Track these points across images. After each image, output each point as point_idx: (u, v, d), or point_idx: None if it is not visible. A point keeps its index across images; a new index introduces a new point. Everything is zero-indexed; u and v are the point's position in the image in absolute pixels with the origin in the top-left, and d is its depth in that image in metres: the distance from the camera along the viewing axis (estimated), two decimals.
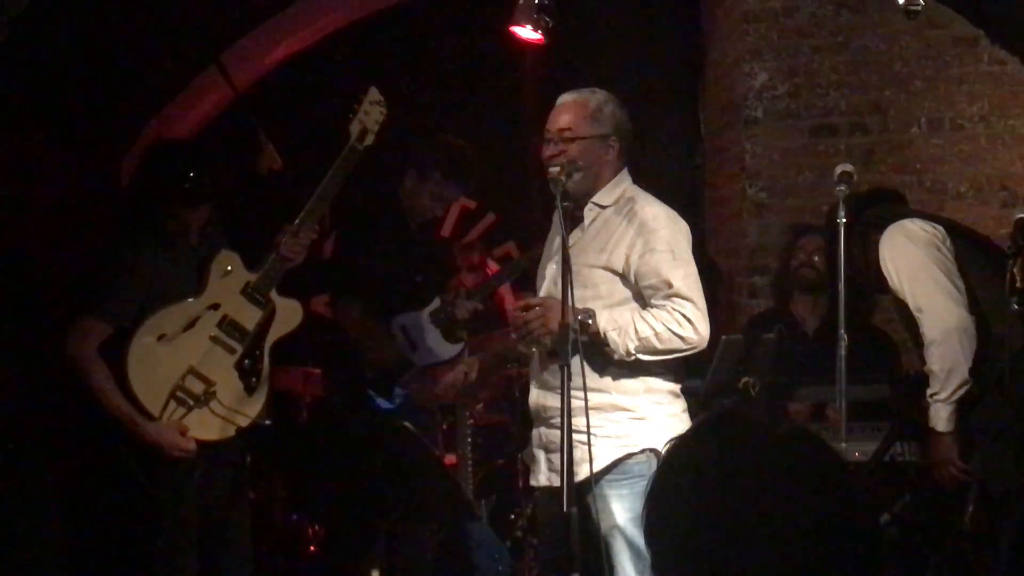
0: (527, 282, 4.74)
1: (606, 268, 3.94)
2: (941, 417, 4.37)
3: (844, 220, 4.38)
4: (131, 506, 4.24)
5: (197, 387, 4.17)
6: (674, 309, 3.84)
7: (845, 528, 1.85)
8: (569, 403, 3.57)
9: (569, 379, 3.57)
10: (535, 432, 4.05)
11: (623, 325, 3.83)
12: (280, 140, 5.12)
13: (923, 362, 4.48)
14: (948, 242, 4.46)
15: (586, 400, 3.67)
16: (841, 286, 4.36)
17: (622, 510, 3.85)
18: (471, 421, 5.69)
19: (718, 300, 6.18)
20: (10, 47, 4.35)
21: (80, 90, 5.45)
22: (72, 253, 5.17)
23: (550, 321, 3.79)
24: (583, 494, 3.81)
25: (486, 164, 5.38)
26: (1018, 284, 3.97)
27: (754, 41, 6.14)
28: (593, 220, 4.01)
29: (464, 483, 5.38)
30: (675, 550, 1.88)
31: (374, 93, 4.40)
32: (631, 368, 3.91)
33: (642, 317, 3.85)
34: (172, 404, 4.13)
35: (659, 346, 3.84)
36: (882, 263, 4.49)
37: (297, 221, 4.26)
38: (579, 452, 3.82)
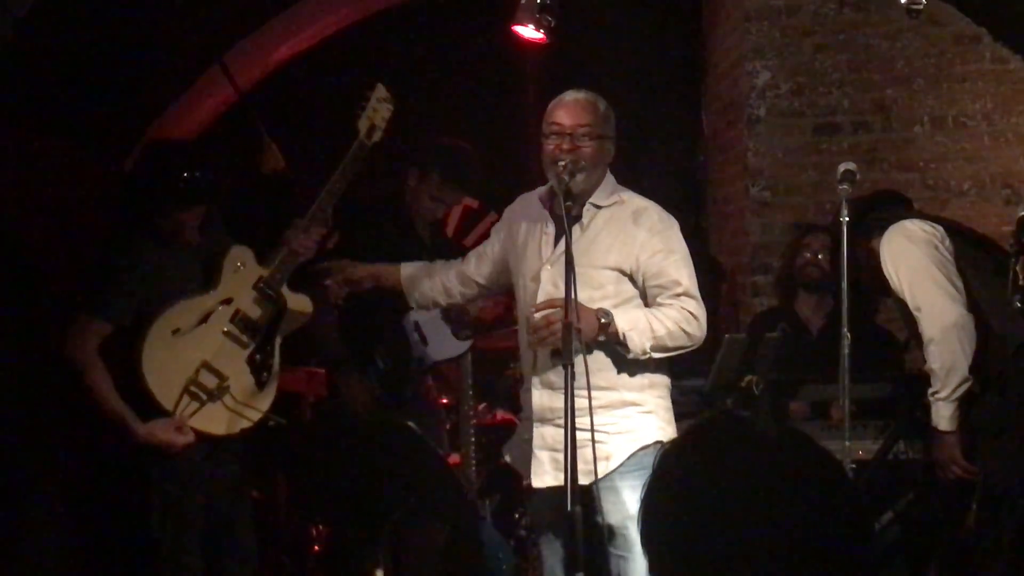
0: None
1: (614, 268, 3.97)
2: (943, 416, 4.38)
3: (847, 219, 4.39)
4: (135, 505, 4.24)
5: (211, 381, 4.18)
6: (683, 308, 3.92)
7: (839, 528, 1.86)
8: (573, 402, 3.56)
9: (573, 378, 3.56)
10: (537, 432, 4.03)
11: (640, 325, 3.88)
12: (283, 140, 5.13)
13: (925, 361, 4.49)
14: (947, 242, 4.46)
15: (589, 399, 3.68)
16: (844, 285, 4.36)
17: (635, 501, 3.86)
18: (474, 421, 5.70)
19: (721, 299, 6.19)
20: (15, 47, 4.35)
21: (84, 90, 5.45)
22: (75, 252, 5.17)
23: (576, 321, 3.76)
24: (595, 492, 3.85)
25: (488, 163, 5.38)
26: (1020, 282, 3.98)
27: (756, 40, 6.15)
28: (591, 220, 4.02)
29: (468, 482, 5.39)
30: (670, 551, 1.89)
31: (381, 90, 4.41)
32: (634, 364, 3.95)
33: (655, 316, 3.91)
34: (186, 398, 4.14)
35: (670, 344, 3.92)
36: (883, 264, 4.51)
37: (307, 216, 4.26)
38: (589, 451, 3.82)
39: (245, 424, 4.24)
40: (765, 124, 6.15)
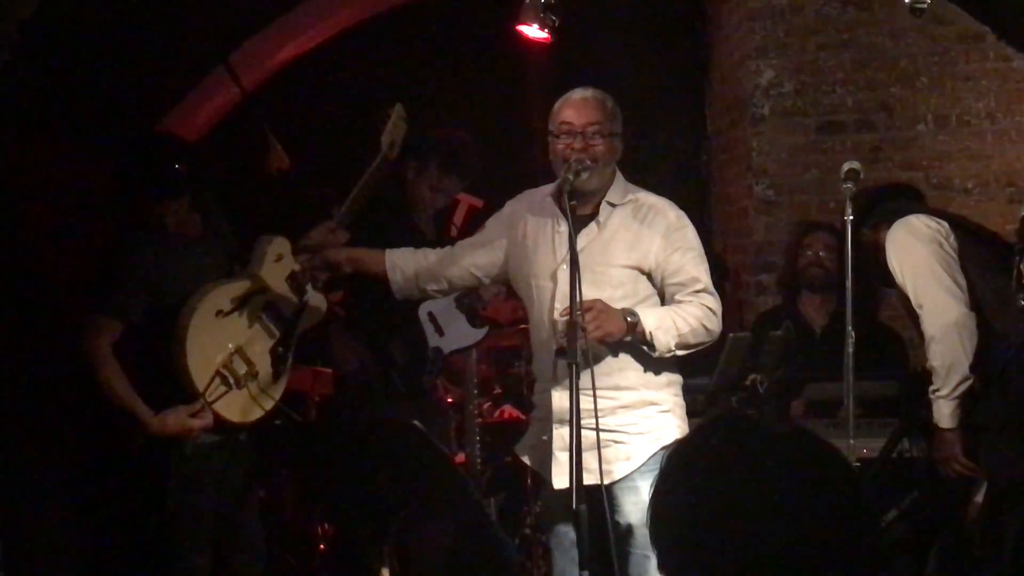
0: None
1: (632, 267, 3.96)
2: (943, 413, 4.39)
3: (851, 217, 4.39)
4: (145, 503, 4.26)
5: (241, 368, 4.23)
6: (703, 304, 3.93)
7: (846, 525, 1.87)
8: (579, 399, 3.55)
9: (578, 378, 3.56)
10: (556, 434, 3.94)
11: (666, 323, 3.87)
12: (287, 140, 5.14)
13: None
14: (952, 239, 4.47)
15: (595, 398, 3.65)
16: (848, 283, 4.37)
17: None
18: (479, 420, 5.71)
19: (725, 297, 6.19)
20: (19, 48, 4.37)
21: (89, 91, 5.47)
22: (81, 253, 5.19)
23: (606, 323, 3.76)
24: (614, 493, 3.88)
25: (492, 163, 5.38)
26: None
27: (760, 39, 6.15)
28: (608, 219, 4.00)
29: (473, 481, 5.40)
30: (679, 548, 1.90)
31: (400, 109, 4.47)
32: (654, 363, 3.95)
33: (678, 314, 3.90)
34: (216, 381, 4.17)
35: (693, 341, 3.93)
36: (888, 259, 4.52)
37: (335, 219, 4.29)
38: (612, 451, 3.86)
39: (257, 414, 4.28)
40: (769, 123, 6.16)
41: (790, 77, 6.15)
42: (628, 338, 3.84)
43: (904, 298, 4.54)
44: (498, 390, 6.29)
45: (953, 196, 6.00)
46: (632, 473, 3.93)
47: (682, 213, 4.07)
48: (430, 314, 5.08)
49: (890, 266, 4.53)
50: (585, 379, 3.63)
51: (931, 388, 4.41)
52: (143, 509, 4.27)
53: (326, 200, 4.52)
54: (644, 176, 4.14)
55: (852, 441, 4.32)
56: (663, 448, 3.92)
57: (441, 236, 5.31)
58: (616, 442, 3.90)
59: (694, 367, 4.23)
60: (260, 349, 4.29)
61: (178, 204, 4.26)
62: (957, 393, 4.37)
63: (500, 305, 5.44)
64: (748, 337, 4.78)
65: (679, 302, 3.94)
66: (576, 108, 3.98)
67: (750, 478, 1.88)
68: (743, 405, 4.55)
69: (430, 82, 6.89)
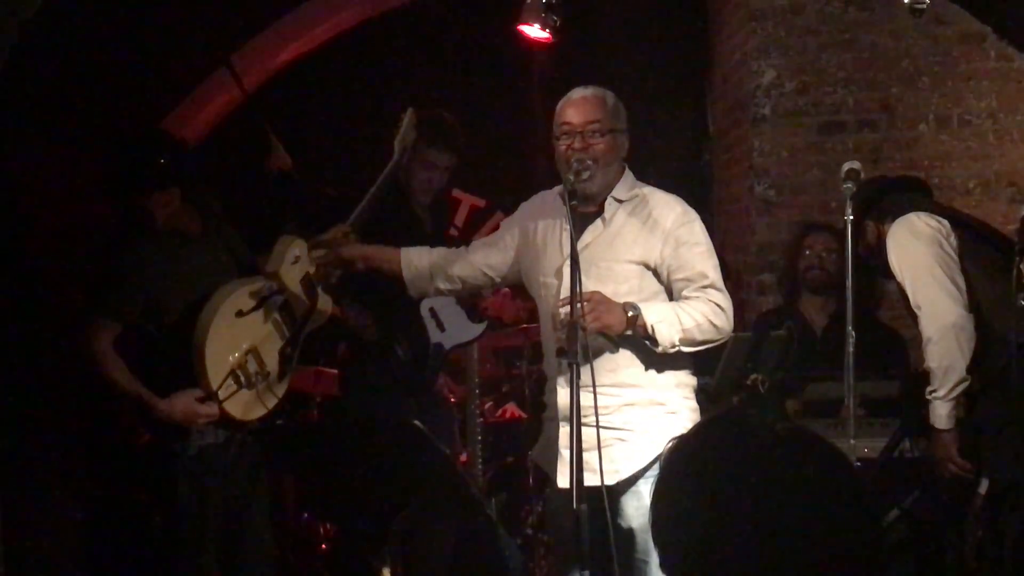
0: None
1: (639, 262, 3.93)
2: (940, 414, 4.40)
3: (851, 217, 4.40)
4: (150, 502, 4.26)
5: (253, 368, 4.24)
6: (710, 300, 3.88)
7: (847, 524, 1.87)
8: (579, 398, 3.52)
9: (578, 377, 3.54)
10: (563, 432, 3.89)
11: (668, 317, 3.83)
12: (289, 140, 5.14)
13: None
14: (952, 237, 4.47)
15: (595, 397, 3.58)
16: (849, 283, 4.37)
17: None
18: (481, 419, 5.71)
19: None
20: (21, 49, 4.37)
21: (90, 92, 5.47)
22: (81, 254, 5.19)
23: (604, 314, 3.75)
24: (616, 496, 3.82)
25: (495, 163, 5.39)
26: None
27: (761, 39, 6.16)
28: (613, 215, 3.98)
29: (474, 481, 5.40)
30: (680, 547, 1.90)
31: (412, 116, 4.55)
32: (661, 362, 3.92)
33: (683, 309, 3.86)
34: (229, 380, 4.17)
35: (699, 337, 3.87)
36: (889, 256, 4.53)
37: (349, 222, 4.29)
38: (616, 450, 3.84)
39: (259, 413, 4.29)
40: (770, 123, 6.16)
41: (791, 77, 6.15)
42: (629, 332, 3.81)
43: (904, 294, 4.55)
44: (505, 388, 6.31)
45: (954, 196, 5.99)
46: (635, 476, 3.88)
47: (689, 208, 4.02)
48: (431, 309, 5.09)
49: (891, 263, 4.53)
50: (587, 377, 3.61)
51: (928, 389, 4.41)
52: (148, 508, 4.28)
53: (344, 201, 4.52)
54: (645, 176, 4.13)
55: (853, 441, 4.32)
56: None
57: (440, 228, 5.32)
58: (620, 440, 3.87)
59: (694, 367, 4.23)
60: (271, 349, 4.30)
61: (166, 197, 4.26)
62: (954, 394, 4.37)
63: (504, 302, 5.44)
64: (749, 337, 4.78)
65: (686, 298, 3.90)
66: (575, 107, 3.97)
67: (751, 477, 1.88)
68: (744, 405, 4.55)
69: (432, 83, 6.90)
